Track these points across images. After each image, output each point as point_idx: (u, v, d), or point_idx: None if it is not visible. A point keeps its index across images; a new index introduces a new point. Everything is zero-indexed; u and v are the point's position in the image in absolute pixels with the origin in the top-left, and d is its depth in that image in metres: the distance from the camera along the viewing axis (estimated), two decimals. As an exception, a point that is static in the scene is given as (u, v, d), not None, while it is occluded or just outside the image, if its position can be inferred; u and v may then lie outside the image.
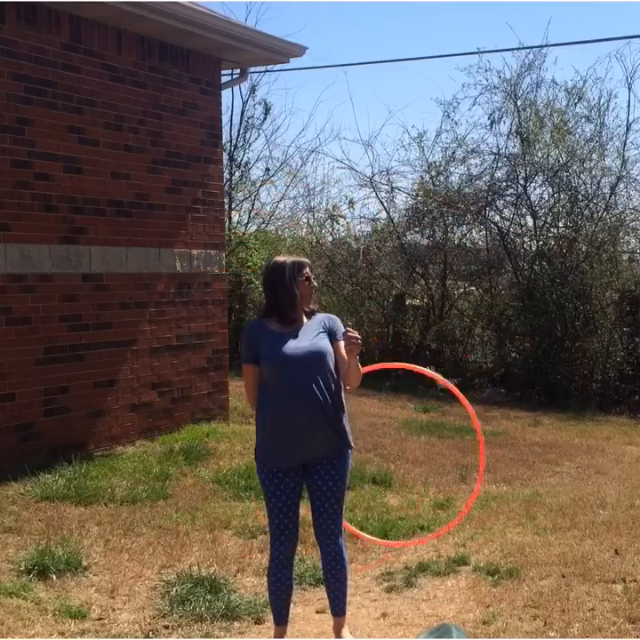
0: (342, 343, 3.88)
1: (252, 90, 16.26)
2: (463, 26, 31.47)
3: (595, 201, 14.00)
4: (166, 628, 4.35)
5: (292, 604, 4.17)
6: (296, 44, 9.50)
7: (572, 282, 13.24)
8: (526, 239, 14.83)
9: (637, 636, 4.09)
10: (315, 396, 3.82)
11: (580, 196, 13.99)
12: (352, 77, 40.47)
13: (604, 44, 21.15)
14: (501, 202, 14.88)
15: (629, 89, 14.04)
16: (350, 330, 3.81)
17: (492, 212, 14.89)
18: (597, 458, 8.90)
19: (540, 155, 14.29)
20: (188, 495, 6.62)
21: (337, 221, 16.73)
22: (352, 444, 4.01)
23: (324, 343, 3.90)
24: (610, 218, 13.99)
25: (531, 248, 14.65)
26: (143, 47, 8.31)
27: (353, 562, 5.13)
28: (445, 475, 7.74)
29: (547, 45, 14.15)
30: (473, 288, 15.49)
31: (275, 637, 4.08)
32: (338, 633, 4.09)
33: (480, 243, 15.35)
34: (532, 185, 14.46)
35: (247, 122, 16.41)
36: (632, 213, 14.59)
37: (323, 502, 3.95)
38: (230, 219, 15.51)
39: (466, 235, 15.46)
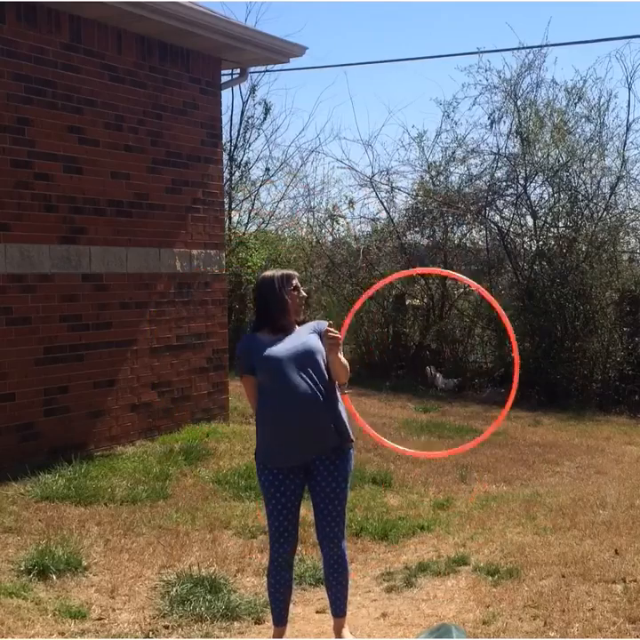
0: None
1: (252, 90, 16.29)
2: (463, 26, 31.50)
3: (595, 201, 14.00)
4: (166, 627, 4.35)
5: (291, 604, 4.18)
6: (296, 44, 9.51)
7: (572, 282, 13.24)
8: (526, 239, 14.83)
9: (637, 636, 4.09)
10: (309, 392, 3.85)
11: (579, 196, 13.99)
12: (352, 77, 40.49)
13: (604, 43, 21.18)
14: (501, 202, 14.89)
15: (629, 89, 14.06)
16: (330, 329, 3.88)
17: (492, 212, 14.90)
18: (597, 458, 8.90)
19: (539, 155, 14.29)
20: (188, 495, 6.63)
21: (337, 221, 16.75)
22: (353, 437, 4.02)
23: (314, 342, 3.95)
24: (610, 218, 13.99)
25: (531, 248, 14.64)
26: (143, 47, 8.31)
27: (353, 562, 5.13)
28: (445, 475, 7.75)
29: (547, 45, 14.18)
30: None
31: (274, 637, 4.09)
32: (338, 633, 4.09)
33: (480, 243, 15.35)
34: (532, 185, 14.48)
35: (247, 122, 16.43)
36: (632, 213, 14.58)
37: (326, 504, 3.94)
38: (230, 219, 15.52)
39: (466, 235, 15.46)
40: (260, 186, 16.86)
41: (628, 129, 14.06)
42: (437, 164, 15.24)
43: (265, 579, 4.18)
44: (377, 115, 38.60)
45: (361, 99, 36.95)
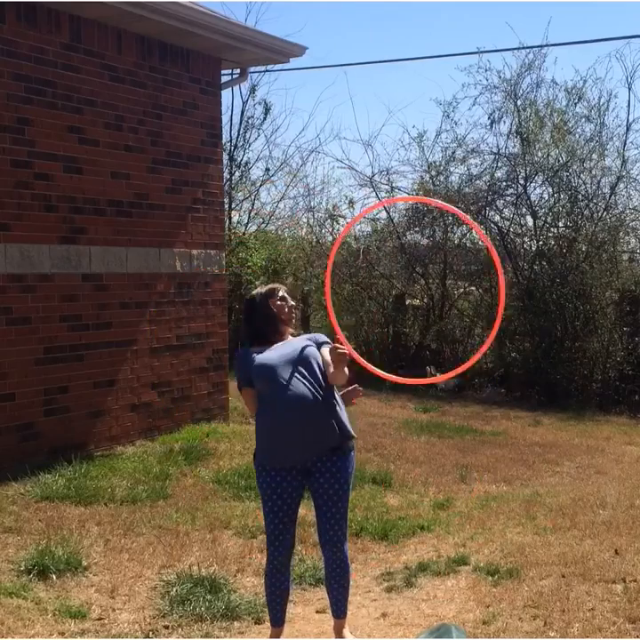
0: (326, 350, 3.99)
1: (252, 90, 16.28)
2: (463, 26, 31.50)
3: (595, 201, 13.99)
4: (166, 627, 4.35)
5: (292, 604, 4.18)
6: (296, 44, 9.51)
7: (572, 282, 13.24)
8: (526, 239, 14.83)
9: (637, 636, 4.09)
10: (307, 392, 3.88)
11: (580, 196, 13.99)
12: (352, 77, 40.49)
13: (604, 43, 21.18)
14: (501, 202, 14.88)
15: (629, 89, 14.05)
16: (338, 346, 3.85)
17: (492, 212, 14.90)
18: (597, 458, 8.90)
19: (540, 155, 14.28)
20: (188, 495, 6.63)
21: (337, 221, 16.74)
22: (353, 434, 4.03)
23: (309, 349, 4.00)
24: (610, 218, 13.98)
25: (531, 248, 14.64)
26: (143, 47, 8.31)
27: (353, 562, 5.12)
28: (445, 475, 7.74)
29: (547, 45, 14.17)
30: (473, 288, 15.50)
31: (271, 638, 4.10)
32: (338, 633, 4.10)
33: (480, 243, 15.33)
34: (532, 185, 14.47)
35: (247, 122, 16.43)
36: (632, 213, 14.58)
37: (330, 507, 3.94)
38: (230, 219, 15.52)
39: (466, 235, 15.44)
40: (260, 186, 16.88)
41: (627, 129, 14.08)
42: (437, 164, 15.25)
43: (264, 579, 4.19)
44: (377, 115, 38.68)
45: (361, 99, 37.00)
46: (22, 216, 7.17)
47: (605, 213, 13.93)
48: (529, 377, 13.33)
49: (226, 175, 14.82)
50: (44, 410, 7.33)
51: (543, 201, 14.53)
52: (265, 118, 16.59)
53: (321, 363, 3.98)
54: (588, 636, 4.09)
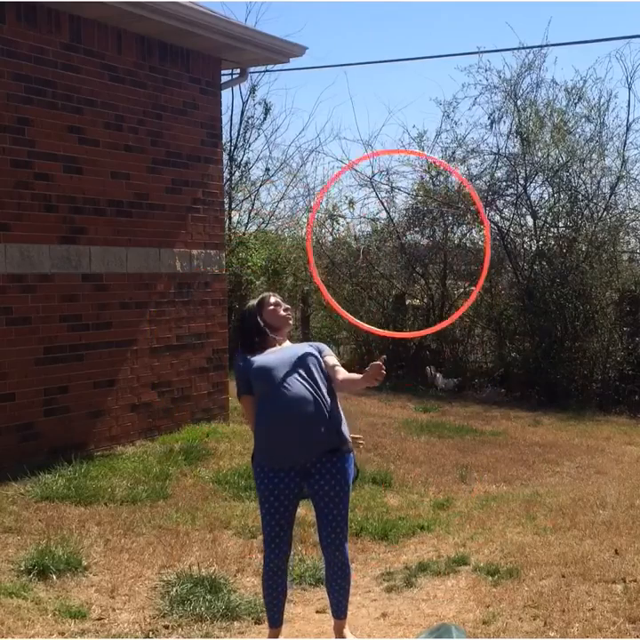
0: (329, 359, 4.03)
1: (252, 90, 16.27)
2: (463, 26, 31.47)
3: (595, 201, 13.99)
4: (166, 627, 4.35)
5: (292, 604, 4.19)
6: (296, 44, 9.50)
7: (572, 282, 13.24)
8: (526, 239, 14.82)
9: (637, 636, 4.09)
10: (305, 392, 3.88)
11: (580, 196, 13.99)
12: (352, 77, 40.47)
13: (604, 43, 21.10)
14: (501, 202, 14.88)
15: (629, 89, 14.04)
16: (381, 365, 3.70)
17: (492, 212, 14.88)
18: (597, 458, 8.90)
19: (540, 155, 14.28)
20: (188, 495, 6.63)
21: (337, 221, 16.74)
22: (348, 438, 4.07)
23: (309, 354, 4.01)
24: (610, 218, 13.98)
25: (531, 248, 14.64)
26: (143, 47, 8.31)
27: (353, 562, 5.12)
28: (445, 475, 7.75)
29: (547, 45, 14.15)
30: (473, 288, 15.49)
31: (269, 638, 4.10)
32: (338, 633, 4.09)
33: (480, 243, 15.32)
34: (532, 185, 14.47)
35: (247, 122, 16.42)
36: (632, 213, 14.58)
37: (331, 508, 3.93)
38: (230, 219, 15.51)
39: (466, 235, 15.45)
40: (260, 186, 16.87)
41: (628, 129, 14.06)
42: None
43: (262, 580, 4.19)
44: (377, 115, 38.65)
45: (361, 99, 37.01)
46: (22, 216, 7.17)
47: (605, 213, 13.93)
48: (529, 377, 13.33)
49: (226, 175, 14.82)
50: (43, 410, 7.33)
51: (543, 201, 14.54)
52: (265, 118, 16.60)
53: (322, 367, 3.99)
54: (588, 636, 4.09)
